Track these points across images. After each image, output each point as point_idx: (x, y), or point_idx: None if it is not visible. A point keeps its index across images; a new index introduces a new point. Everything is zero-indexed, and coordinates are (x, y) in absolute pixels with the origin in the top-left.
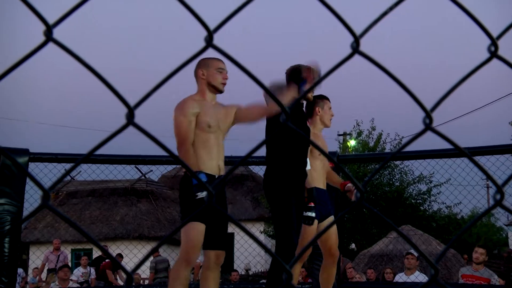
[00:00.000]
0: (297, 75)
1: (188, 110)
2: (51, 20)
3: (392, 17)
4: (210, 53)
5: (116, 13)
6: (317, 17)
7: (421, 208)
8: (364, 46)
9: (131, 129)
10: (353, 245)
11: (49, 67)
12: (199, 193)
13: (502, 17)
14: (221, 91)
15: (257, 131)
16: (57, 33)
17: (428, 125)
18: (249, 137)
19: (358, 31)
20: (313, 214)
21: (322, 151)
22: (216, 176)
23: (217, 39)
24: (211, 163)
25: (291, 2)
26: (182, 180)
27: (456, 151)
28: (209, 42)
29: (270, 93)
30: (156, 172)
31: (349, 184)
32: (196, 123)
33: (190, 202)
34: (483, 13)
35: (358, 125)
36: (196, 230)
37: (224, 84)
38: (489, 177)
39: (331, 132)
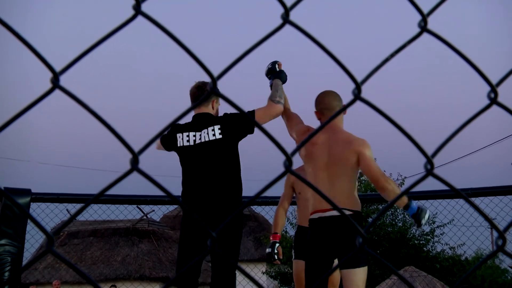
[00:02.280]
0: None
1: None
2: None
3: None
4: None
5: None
6: (316, 61)
7: (424, 249)
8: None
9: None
10: None
11: (51, 107)
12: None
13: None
14: None
15: (260, 171)
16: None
17: (430, 171)
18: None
19: (359, 75)
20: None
21: (320, 193)
22: None
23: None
24: None
25: (287, 48)
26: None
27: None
28: (212, 88)
29: (274, 140)
30: (158, 212)
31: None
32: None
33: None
34: (491, 22)
35: None
36: None
37: None
38: (490, 222)
39: None
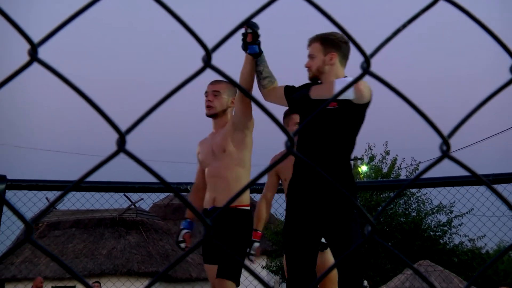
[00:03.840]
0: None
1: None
2: (36, 39)
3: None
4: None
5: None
6: (319, 31)
7: (441, 241)
8: (376, 62)
9: (121, 154)
10: (365, 283)
11: (29, 83)
12: None
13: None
14: (207, 115)
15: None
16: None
17: (446, 152)
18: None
19: (368, 47)
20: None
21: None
22: (208, 209)
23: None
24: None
25: (295, 20)
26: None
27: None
28: (207, 62)
29: (277, 121)
30: (147, 201)
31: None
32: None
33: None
34: (486, 14)
35: (371, 149)
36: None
37: (207, 107)
38: (508, 204)
39: None
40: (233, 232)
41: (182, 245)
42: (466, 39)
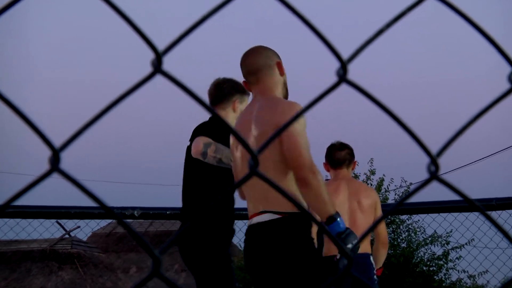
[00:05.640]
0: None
1: None
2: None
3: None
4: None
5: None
6: (297, 38)
7: (436, 277)
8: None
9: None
10: None
11: None
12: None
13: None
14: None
15: None
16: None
17: (434, 174)
18: None
19: (345, 51)
20: None
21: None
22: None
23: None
24: None
25: (263, 19)
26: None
27: (480, 204)
28: (157, 67)
29: (241, 138)
30: (85, 229)
31: None
32: None
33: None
34: (487, 13)
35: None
36: None
37: None
38: (508, 237)
39: None
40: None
41: None
42: (461, 41)
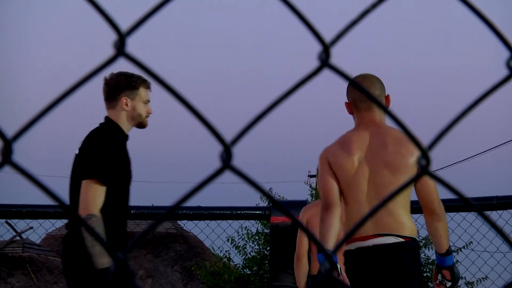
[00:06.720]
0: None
1: None
2: None
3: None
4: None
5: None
6: (277, 22)
7: (430, 284)
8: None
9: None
10: None
11: None
12: None
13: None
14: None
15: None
16: None
17: (425, 168)
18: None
19: (328, 34)
20: None
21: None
22: None
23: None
24: None
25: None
26: None
27: (478, 203)
28: (120, 49)
29: (211, 127)
30: (39, 230)
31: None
32: None
33: None
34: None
35: None
36: None
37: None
38: (508, 241)
39: (299, 174)
40: None
41: None
42: (458, 26)
